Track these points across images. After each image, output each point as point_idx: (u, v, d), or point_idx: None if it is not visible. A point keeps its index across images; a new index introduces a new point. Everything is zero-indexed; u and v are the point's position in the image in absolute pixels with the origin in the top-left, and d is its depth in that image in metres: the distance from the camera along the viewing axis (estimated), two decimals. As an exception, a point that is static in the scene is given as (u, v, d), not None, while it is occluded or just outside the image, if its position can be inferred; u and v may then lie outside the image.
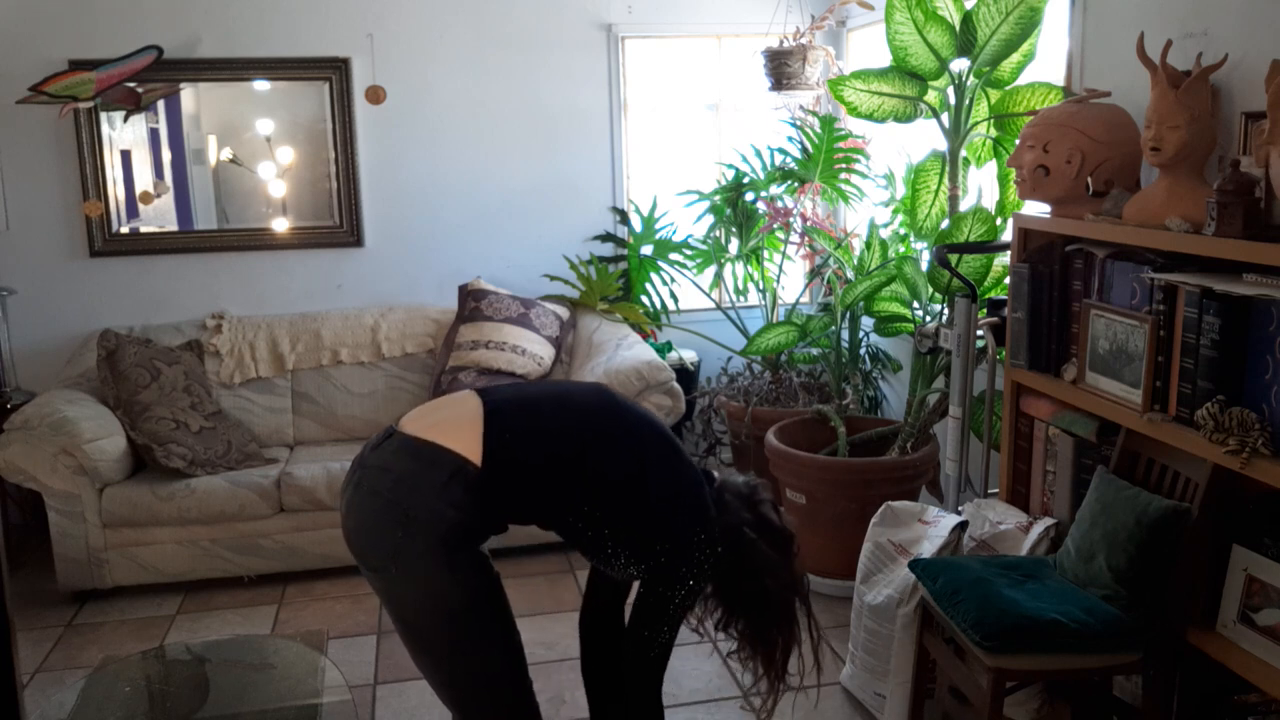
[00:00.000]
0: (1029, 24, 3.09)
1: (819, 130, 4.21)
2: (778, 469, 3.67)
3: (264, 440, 4.12)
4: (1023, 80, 3.25)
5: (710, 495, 1.96)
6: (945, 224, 3.43)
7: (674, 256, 4.57)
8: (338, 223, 4.46)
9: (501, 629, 1.88)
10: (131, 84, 4.11)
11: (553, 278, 4.58)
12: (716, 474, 2.07)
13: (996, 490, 2.99)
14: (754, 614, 2.00)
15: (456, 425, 1.82)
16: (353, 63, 4.34)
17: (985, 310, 3.00)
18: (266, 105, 4.36)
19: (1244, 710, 2.11)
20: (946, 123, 3.40)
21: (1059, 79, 3.09)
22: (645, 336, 4.51)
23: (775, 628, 2.00)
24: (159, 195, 4.33)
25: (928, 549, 2.69)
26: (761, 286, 4.48)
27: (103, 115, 4.17)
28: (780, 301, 4.46)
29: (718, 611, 2.03)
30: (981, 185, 3.57)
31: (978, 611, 2.16)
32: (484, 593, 1.85)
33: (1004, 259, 3.21)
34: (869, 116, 3.51)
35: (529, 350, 4.14)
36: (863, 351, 4.24)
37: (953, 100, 3.37)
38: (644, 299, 4.63)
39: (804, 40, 4.22)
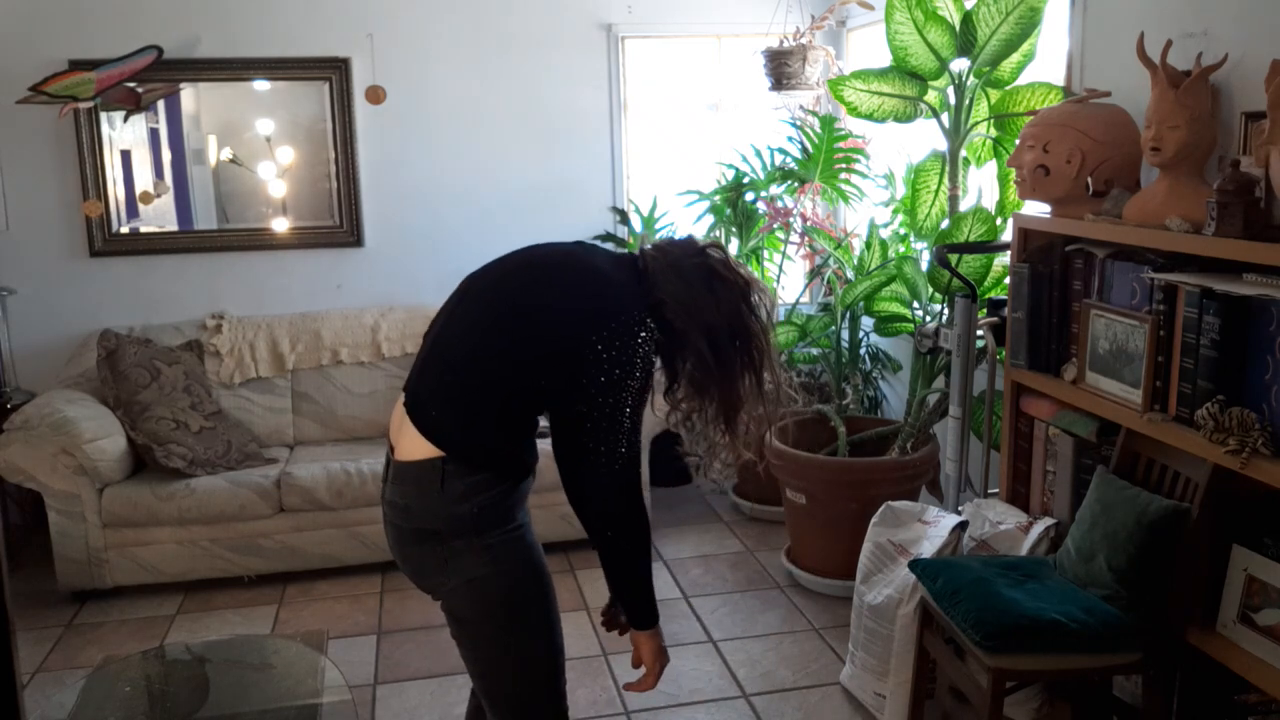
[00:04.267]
0: (1029, 24, 3.09)
1: (819, 130, 4.20)
2: (778, 469, 3.67)
3: (264, 440, 4.11)
4: (1023, 80, 3.25)
5: (628, 279, 1.80)
6: (945, 224, 3.43)
7: (674, 256, 4.56)
8: (338, 223, 4.46)
9: (540, 621, 1.85)
10: (131, 84, 4.11)
11: (553, 278, 4.57)
12: (649, 245, 1.88)
13: (996, 490, 2.99)
14: (703, 389, 1.84)
15: (409, 432, 1.80)
16: (353, 63, 4.34)
17: (985, 310, 3.01)
18: (266, 105, 4.35)
19: (1244, 710, 2.11)
20: (946, 123, 3.40)
21: (1059, 79, 3.09)
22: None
23: (726, 399, 1.83)
24: (159, 195, 4.33)
25: (928, 549, 2.69)
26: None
27: (103, 115, 4.17)
28: (780, 301, 4.46)
29: (680, 392, 1.86)
30: (981, 185, 3.57)
31: (978, 611, 2.16)
32: (527, 585, 1.83)
33: (1004, 259, 3.21)
34: (869, 116, 3.51)
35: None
36: (863, 351, 4.24)
37: (953, 100, 3.37)
38: (644, 299, 4.62)
39: (804, 40, 4.22)
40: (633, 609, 1.86)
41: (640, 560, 1.82)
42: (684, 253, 1.84)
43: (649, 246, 1.88)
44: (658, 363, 1.82)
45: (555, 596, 1.88)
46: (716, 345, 1.79)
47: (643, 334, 1.72)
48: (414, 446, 1.79)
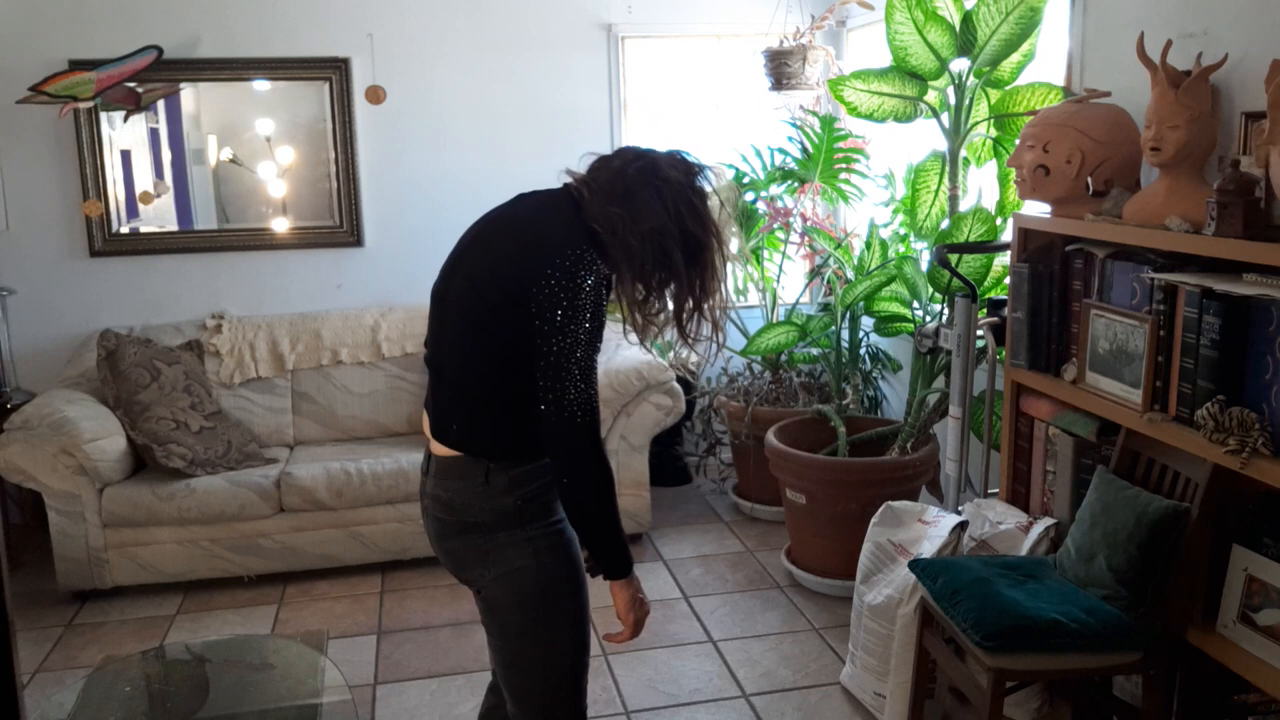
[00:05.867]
0: (1029, 24, 3.09)
1: (819, 130, 4.20)
2: (778, 469, 3.67)
3: (264, 440, 4.11)
4: (1023, 80, 3.25)
5: (564, 216, 1.77)
6: (945, 224, 3.43)
7: (674, 256, 4.56)
8: (338, 223, 4.46)
9: (572, 616, 1.86)
10: (131, 84, 4.11)
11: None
12: (583, 170, 1.83)
13: (996, 490, 2.99)
14: (661, 289, 1.80)
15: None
16: (353, 63, 4.34)
17: (985, 310, 3.01)
18: (266, 105, 4.35)
19: (1244, 710, 2.11)
20: (946, 123, 3.40)
21: (1059, 79, 3.09)
22: (645, 336, 4.51)
23: (679, 296, 1.81)
24: (159, 195, 4.33)
25: (928, 549, 2.69)
26: (761, 286, 4.48)
27: (103, 115, 4.17)
28: (780, 301, 4.46)
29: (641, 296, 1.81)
30: (981, 185, 3.57)
31: (978, 611, 2.16)
32: (563, 580, 1.84)
33: (1004, 259, 3.21)
34: (869, 116, 3.51)
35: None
36: (863, 351, 4.24)
37: (953, 100, 3.37)
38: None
39: (804, 40, 4.22)
40: (601, 558, 1.82)
41: (601, 507, 1.78)
42: (624, 161, 1.79)
43: (583, 172, 1.83)
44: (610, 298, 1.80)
45: (587, 594, 1.89)
46: (664, 249, 1.75)
47: (582, 271, 1.69)
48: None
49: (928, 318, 3.63)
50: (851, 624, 2.93)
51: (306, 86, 4.35)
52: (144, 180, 4.32)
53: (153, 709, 2.63)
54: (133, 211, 4.33)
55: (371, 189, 4.47)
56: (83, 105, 4.03)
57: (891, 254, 3.85)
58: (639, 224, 1.73)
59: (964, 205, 3.43)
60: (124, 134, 4.25)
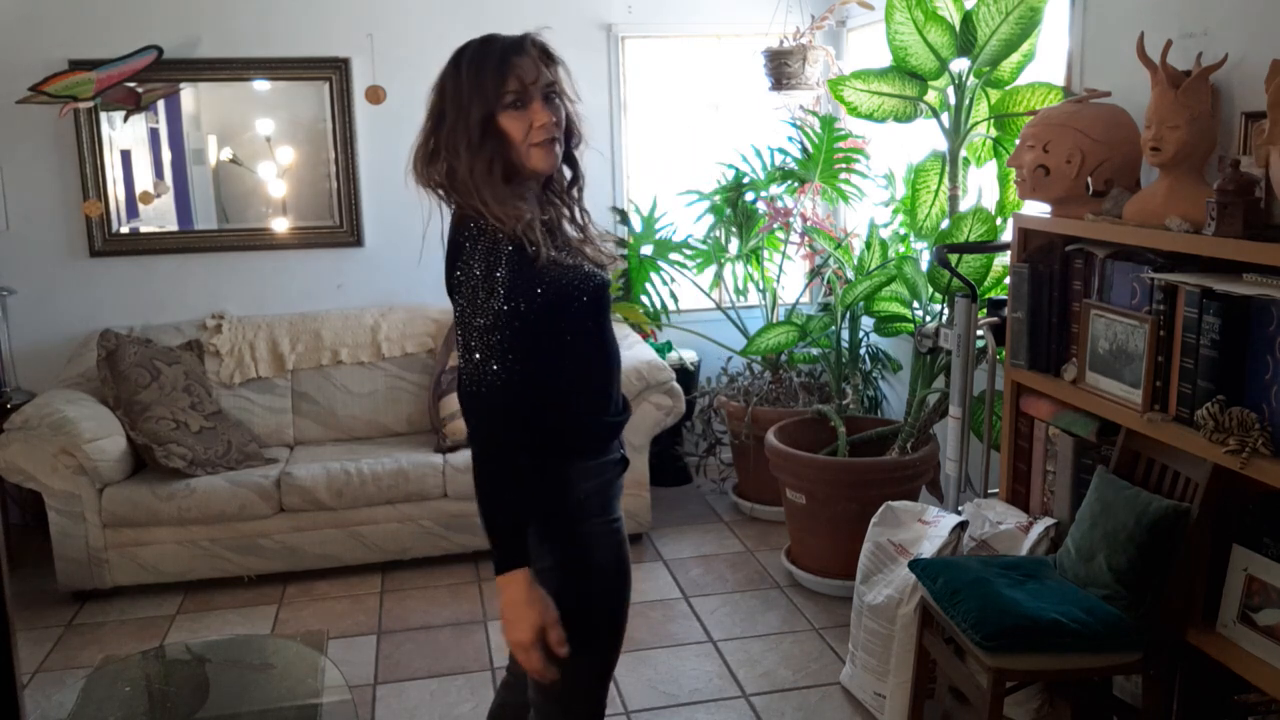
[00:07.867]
0: (1029, 24, 3.09)
1: (819, 130, 4.21)
2: (778, 469, 3.67)
3: (264, 440, 4.11)
4: (1023, 80, 3.25)
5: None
6: (945, 224, 3.43)
7: (674, 256, 4.57)
8: (338, 223, 4.46)
9: (612, 615, 1.86)
10: (131, 84, 4.11)
11: (553, 278, 4.56)
12: None
13: (996, 490, 2.99)
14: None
15: None
16: (353, 63, 4.34)
17: (985, 310, 3.01)
18: (266, 105, 4.35)
19: (1244, 710, 2.11)
20: (946, 123, 3.40)
21: (1059, 79, 3.09)
22: (645, 336, 4.52)
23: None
24: (159, 195, 4.33)
25: (928, 549, 2.69)
26: (761, 286, 4.48)
27: (103, 115, 4.17)
28: (780, 301, 4.46)
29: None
30: (981, 185, 3.57)
31: (978, 611, 2.16)
32: (610, 577, 1.84)
33: (1004, 259, 3.21)
34: (869, 116, 3.51)
35: (529, 350, 4.14)
36: (863, 351, 4.24)
37: (953, 100, 3.37)
38: (644, 299, 4.63)
39: (804, 40, 4.22)
40: (490, 544, 1.71)
41: (495, 491, 1.69)
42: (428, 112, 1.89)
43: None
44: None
45: (629, 597, 1.88)
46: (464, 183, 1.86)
47: (477, 255, 1.78)
48: None
49: (928, 318, 3.63)
50: (851, 624, 2.93)
51: (306, 86, 4.35)
52: (144, 180, 4.32)
53: (153, 709, 2.63)
54: (133, 211, 4.33)
55: (371, 189, 4.47)
56: (83, 105, 4.04)
57: (891, 254, 3.85)
58: (448, 161, 1.85)
59: (964, 205, 3.43)
60: (124, 134, 4.25)
